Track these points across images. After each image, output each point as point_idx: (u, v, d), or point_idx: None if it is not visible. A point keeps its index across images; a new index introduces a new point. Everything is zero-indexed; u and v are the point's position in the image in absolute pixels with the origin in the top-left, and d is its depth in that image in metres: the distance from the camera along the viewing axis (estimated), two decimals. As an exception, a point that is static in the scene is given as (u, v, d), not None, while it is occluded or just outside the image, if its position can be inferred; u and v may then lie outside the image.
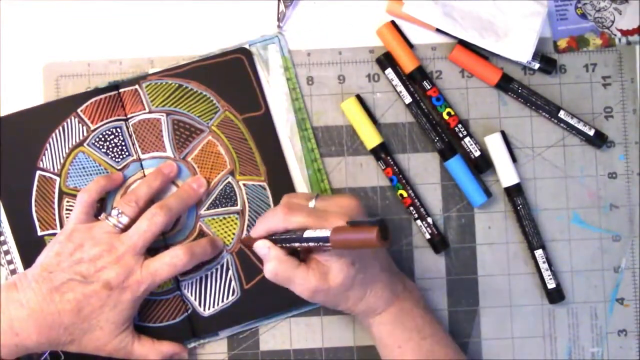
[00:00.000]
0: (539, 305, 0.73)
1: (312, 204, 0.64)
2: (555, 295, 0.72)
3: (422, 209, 0.72)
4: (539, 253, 0.72)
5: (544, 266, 0.72)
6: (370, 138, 0.72)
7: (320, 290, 0.62)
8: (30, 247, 0.70)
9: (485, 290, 0.73)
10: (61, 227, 0.71)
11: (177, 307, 0.71)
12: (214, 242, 0.70)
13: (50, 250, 0.66)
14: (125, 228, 0.67)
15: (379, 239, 0.55)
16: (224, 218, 0.71)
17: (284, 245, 0.63)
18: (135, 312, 0.67)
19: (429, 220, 0.72)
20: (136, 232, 0.66)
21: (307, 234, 0.60)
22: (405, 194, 0.72)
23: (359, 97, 0.73)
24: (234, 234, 0.71)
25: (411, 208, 0.72)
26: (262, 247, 0.63)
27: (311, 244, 0.60)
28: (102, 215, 0.68)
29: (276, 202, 0.71)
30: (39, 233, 0.71)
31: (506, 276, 0.73)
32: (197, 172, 0.71)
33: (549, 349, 0.73)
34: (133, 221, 0.67)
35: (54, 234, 0.70)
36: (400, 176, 0.72)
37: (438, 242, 0.72)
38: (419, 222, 0.72)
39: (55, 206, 0.71)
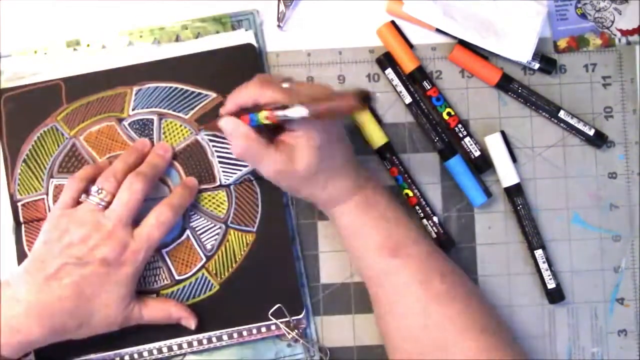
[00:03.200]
0: (539, 305, 0.73)
1: (285, 85, 0.64)
2: (555, 295, 0.72)
3: (427, 209, 0.72)
4: (539, 253, 0.72)
5: (544, 266, 0.72)
6: (376, 138, 0.72)
7: (285, 172, 0.63)
8: None
9: (485, 290, 0.73)
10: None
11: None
12: (186, 185, 0.70)
13: (38, 242, 0.65)
14: (108, 205, 0.66)
15: (357, 101, 0.56)
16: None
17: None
18: (137, 281, 0.67)
19: (435, 219, 0.72)
20: (119, 204, 0.65)
21: (280, 112, 0.60)
22: (410, 194, 0.72)
23: (364, 97, 0.73)
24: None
25: (417, 207, 0.72)
26: (229, 123, 0.63)
27: (284, 114, 0.60)
28: (82, 197, 0.66)
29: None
30: None
31: (506, 276, 0.73)
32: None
33: (549, 349, 0.73)
34: (114, 197, 0.66)
35: None
36: (406, 175, 0.72)
37: (444, 241, 0.72)
38: (424, 221, 0.72)
39: None
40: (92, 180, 0.68)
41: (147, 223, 0.66)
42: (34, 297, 0.63)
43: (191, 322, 0.69)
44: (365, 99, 0.56)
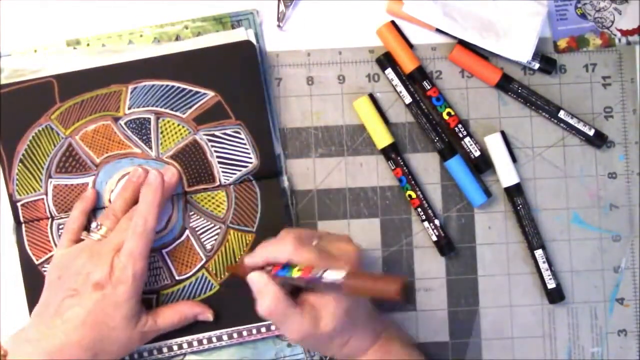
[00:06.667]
0: (539, 305, 0.73)
1: (315, 242, 0.63)
2: (555, 295, 0.72)
3: (429, 211, 0.72)
4: (538, 253, 0.72)
5: (544, 266, 0.72)
6: (382, 137, 0.72)
7: (310, 336, 0.61)
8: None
9: (485, 290, 0.73)
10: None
11: None
12: (148, 183, 0.66)
13: (44, 287, 0.66)
14: None
15: (401, 292, 0.53)
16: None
17: (278, 279, 0.61)
18: (139, 296, 0.65)
19: (436, 222, 0.72)
20: (115, 233, 0.66)
21: (316, 272, 0.59)
22: (414, 195, 0.72)
23: (371, 96, 0.73)
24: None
25: (419, 209, 0.72)
26: (259, 281, 0.61)
27: (320, 277, 0.58)
28: (84, 234, 0.67)
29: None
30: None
31: (506, 276, 0.73)
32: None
33: (549, 349, 0.73)
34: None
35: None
36: (410, 177, 0.72)
37: (445, 245, 0.72)
38: (425, 223, 0.72)
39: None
40: (86, 213, 0.69)
41: (127, 238, 0.65)
42: (41, 335, 0.63)
43: (208, 315, 0.69)
44: (407, 293, 0.55)
